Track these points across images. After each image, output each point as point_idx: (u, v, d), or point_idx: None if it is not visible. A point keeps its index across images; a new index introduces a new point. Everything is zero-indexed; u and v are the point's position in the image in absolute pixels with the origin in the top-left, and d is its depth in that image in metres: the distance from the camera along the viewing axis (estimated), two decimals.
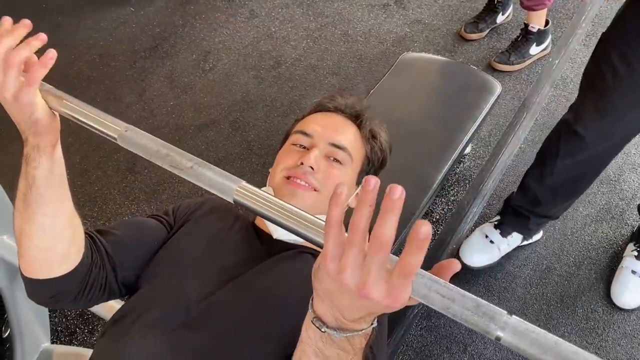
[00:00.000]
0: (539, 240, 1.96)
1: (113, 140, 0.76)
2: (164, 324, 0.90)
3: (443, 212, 2.08)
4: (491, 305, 0.51)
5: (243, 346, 0.87)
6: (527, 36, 2.55)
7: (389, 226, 0.49)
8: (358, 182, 1.13)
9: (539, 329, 0.50)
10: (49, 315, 1.68)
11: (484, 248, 1.89)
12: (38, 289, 0.95)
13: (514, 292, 1.84)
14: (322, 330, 0.57)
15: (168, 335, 0.89)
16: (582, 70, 1.50)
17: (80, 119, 0.78)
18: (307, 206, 1.02)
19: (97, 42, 2.99)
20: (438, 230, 2.03)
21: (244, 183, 0.66)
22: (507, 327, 0.50)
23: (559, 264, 1.90)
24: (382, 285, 0.51)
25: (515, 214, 1.83)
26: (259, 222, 1.11)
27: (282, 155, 1.13)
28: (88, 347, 1.72)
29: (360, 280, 0.51)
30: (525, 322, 0.50)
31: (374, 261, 0.51)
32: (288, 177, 1.06)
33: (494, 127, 2.35)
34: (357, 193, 1.09)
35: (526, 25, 2.55)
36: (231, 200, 0.66)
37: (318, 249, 0.68)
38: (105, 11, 3.18)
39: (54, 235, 0.89)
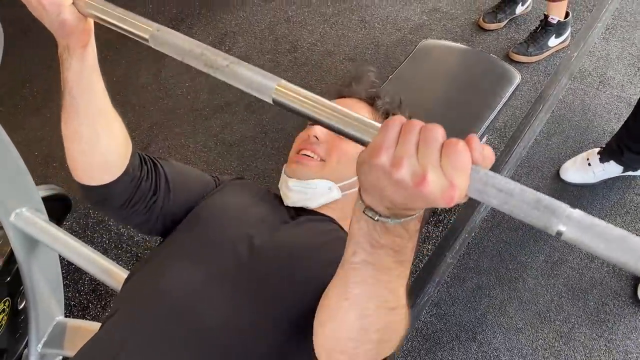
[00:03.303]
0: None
1: (144, 42, 0.72)
2: (207, 261, 0.93)
3: None
4: (552, 199, 0.48)
5: (283, 288, 0.89)
6: (546, 27, 2.53)
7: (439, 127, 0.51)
8: None
9: (604, 222, 0.46)
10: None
11: (580, 167, 2.10)
12: (84, 192, 1.00)
13: (525, 282, 1.84)
14: (376, 219, 0.54)
15: (210, 270, 0.92)
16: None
17: (109, 20, 0.74)
18: (311, 174, 1.08)
19: None
20: (450, 220, 2.03)
21: (283, 82, 0.63)
22: (570, 220, 0.46)
23: (572, 256, 1.89)
24: (441, 180, 0.48)
25: (613, 144, 2.01)
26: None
27: (297, 138, 1.20)
28: (100, 322, 1.74)
29: (418, 175, 0.48)
30: (590, 215, 0.46)
31: (428, 154, 0.49)
32: (299, 152, 1.13)
33: (509, 119, 2.34)
34: None
35: (546, 16, 2.52)
36: (270, 101, 0.63)
37: None
38: None
39: (90, 142, 0.92)
